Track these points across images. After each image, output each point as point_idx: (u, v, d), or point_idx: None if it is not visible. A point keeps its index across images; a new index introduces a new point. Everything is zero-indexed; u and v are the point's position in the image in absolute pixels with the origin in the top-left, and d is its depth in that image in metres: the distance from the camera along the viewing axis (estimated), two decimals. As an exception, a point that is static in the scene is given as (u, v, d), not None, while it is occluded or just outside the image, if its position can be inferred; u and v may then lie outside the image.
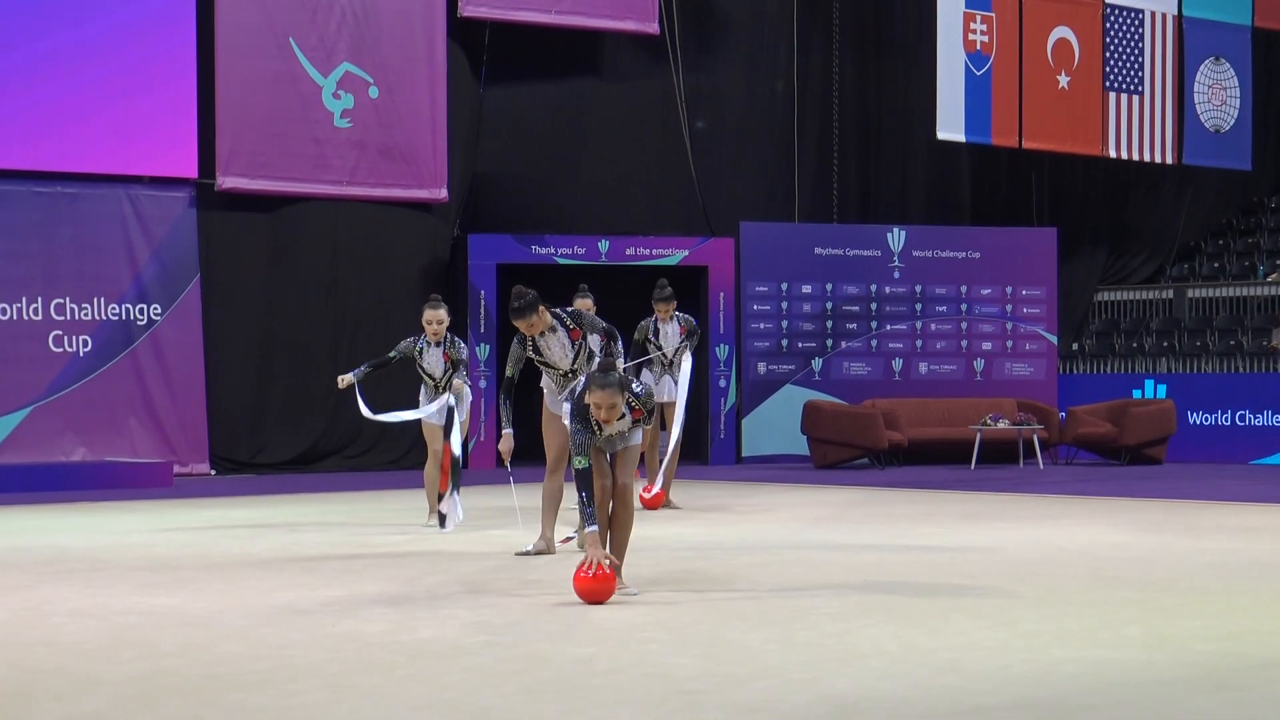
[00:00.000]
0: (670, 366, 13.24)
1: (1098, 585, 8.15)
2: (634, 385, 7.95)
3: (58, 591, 8.11)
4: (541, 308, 9.20)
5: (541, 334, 9.27)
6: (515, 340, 9.34)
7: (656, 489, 13.04)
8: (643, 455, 12.84)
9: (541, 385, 9.82)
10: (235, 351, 18.34)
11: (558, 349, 9.38)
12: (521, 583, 8.37)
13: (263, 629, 6.80)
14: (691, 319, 13.44)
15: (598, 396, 7.74)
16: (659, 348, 13.15)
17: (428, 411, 11.70)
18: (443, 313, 11.71)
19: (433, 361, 11.68)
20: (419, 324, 11.69)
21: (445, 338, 11.68)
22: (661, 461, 12.81)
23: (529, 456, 11.95)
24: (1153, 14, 22.30)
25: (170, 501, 14.31)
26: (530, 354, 9.31)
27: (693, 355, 13.07)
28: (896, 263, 20.29)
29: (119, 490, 15.33)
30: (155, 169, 17.67)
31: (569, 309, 9.56)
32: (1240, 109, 23.23)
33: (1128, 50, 22.03)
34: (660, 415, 13.17)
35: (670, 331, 13.23)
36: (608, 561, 7.54)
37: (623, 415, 7.91)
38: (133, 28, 17.51)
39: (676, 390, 13.01)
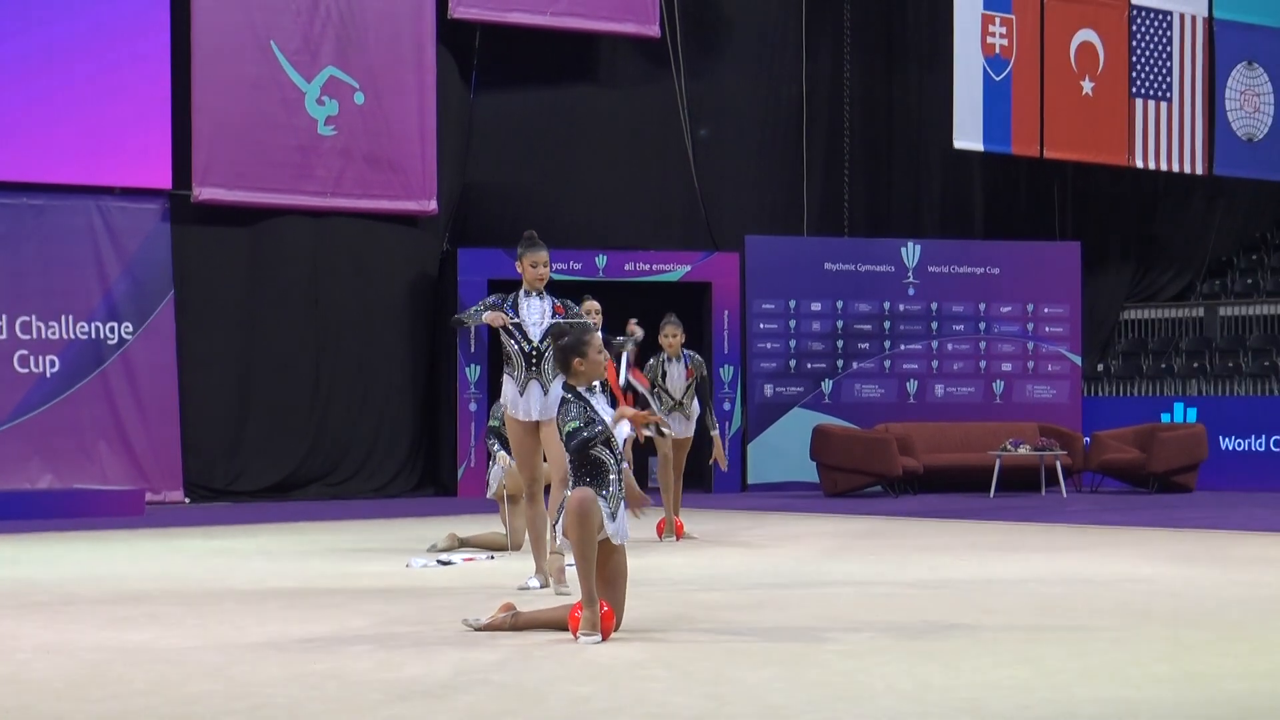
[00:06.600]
0: (678, 405, 13.32)
1: (1124, 620, 8.15)
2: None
3: (23, 626, 8.11)
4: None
5: (536, 292, 9.50)
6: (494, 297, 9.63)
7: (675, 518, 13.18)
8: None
9: (502, 400, 9.81)
10: (211, 372, 18.34)
11: (535, 314, 9.51)
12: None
13: (240, 666, 6.80)
14: (699, 359, 13.48)
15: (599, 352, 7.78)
16: (665, 390, 13.24)
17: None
18: None
19: None
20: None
21: None
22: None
23: None
24: (1182, 16, 22.34)
25: (142, 531, 14.30)
26: (506, 312, 9.41)
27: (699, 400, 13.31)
28: (911, 279, 20.32)
29: (88, 519, 15.32)
30: (127, 179, 17.69)
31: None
32: (1274, 116, 23.26)
33: (1155, 54, 22.08)
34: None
35: (676, 374, 13.31)
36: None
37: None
38: (103, 29, 17.54)
39: (687, 427, 13.23)
